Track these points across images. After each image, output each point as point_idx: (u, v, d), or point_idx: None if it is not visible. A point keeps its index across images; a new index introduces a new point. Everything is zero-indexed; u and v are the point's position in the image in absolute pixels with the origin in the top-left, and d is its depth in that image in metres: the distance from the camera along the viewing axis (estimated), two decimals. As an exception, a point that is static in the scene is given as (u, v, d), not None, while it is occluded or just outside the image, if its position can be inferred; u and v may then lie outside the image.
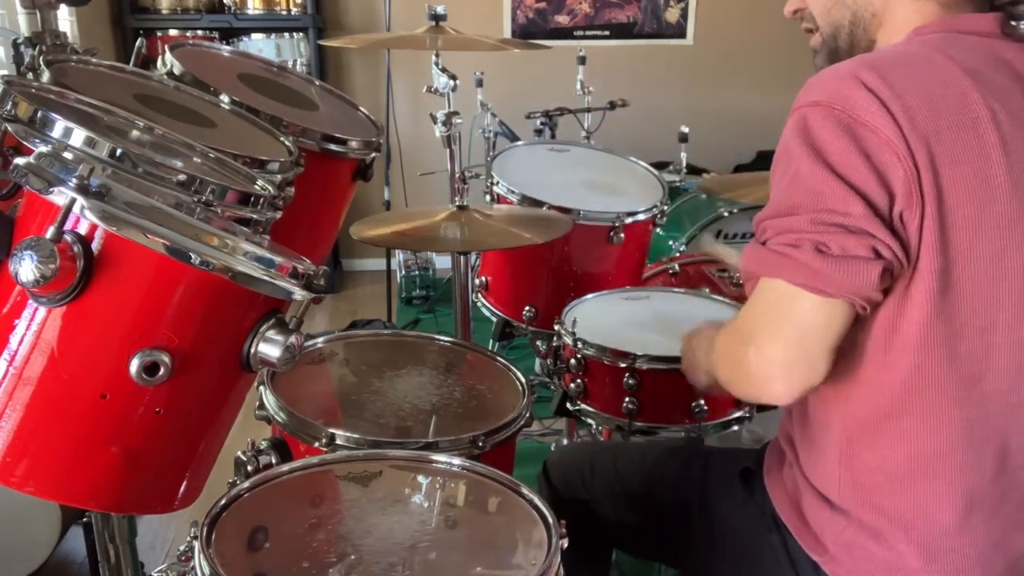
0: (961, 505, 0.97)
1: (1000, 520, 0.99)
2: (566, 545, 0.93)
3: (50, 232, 0.73)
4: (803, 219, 0.90)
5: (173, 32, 3.98)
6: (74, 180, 0.73)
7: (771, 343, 0.94)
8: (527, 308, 2.01)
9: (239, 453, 1.20)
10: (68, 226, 0.75)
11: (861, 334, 0.97)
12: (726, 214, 2.72)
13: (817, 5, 1.10)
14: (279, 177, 1.06)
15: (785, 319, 0.93)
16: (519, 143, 2.35)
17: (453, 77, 1.72)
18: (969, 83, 0.92)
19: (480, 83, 3.40)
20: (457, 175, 1.78)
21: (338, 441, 1.21)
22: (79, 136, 0.80)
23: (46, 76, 1.02)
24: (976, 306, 0.92)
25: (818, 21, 1.11)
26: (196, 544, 0.88)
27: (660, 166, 2.56)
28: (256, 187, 0.98)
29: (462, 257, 1.81)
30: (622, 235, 1.94)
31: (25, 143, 0.82)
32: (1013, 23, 0.97)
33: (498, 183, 2.00)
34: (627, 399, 1.54)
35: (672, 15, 4.46)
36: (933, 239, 0.89)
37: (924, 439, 0.96)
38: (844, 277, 0.88)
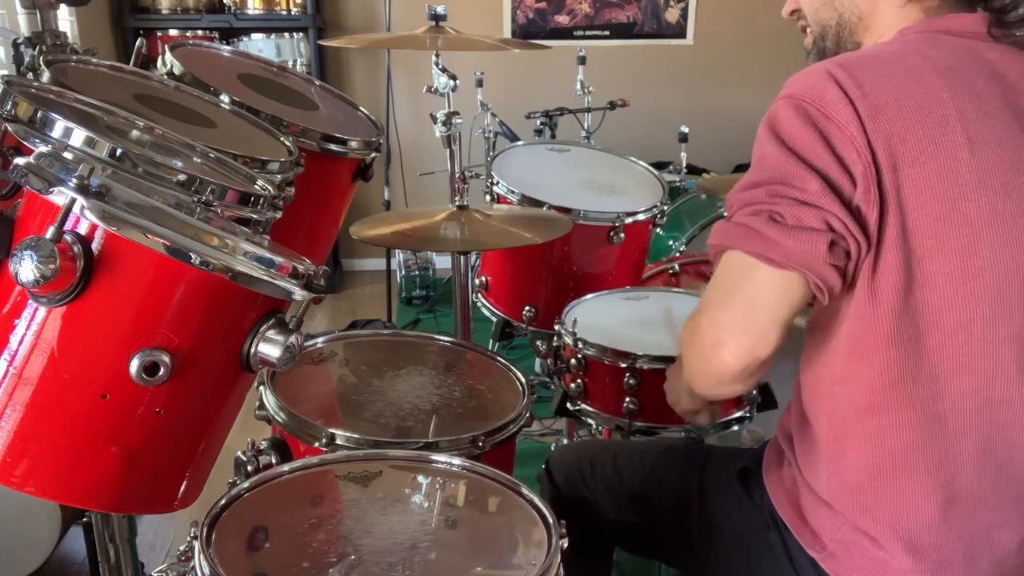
0: (940, 499, 0.97)
1: (985, 516, 0.99)
2: (566, 545, 0.93)
3: (50, 232, 0.73)
4: (762, 191, 0.94)
5: (173, 32, 3.98)
6: (74, 180, 0.73)
7: (722, 310, 0.97)
8: (527, 308, 2.01)
9: (239, 453, 1.20)
10: (68, 226, 0.75)
11: (837, 331, 0.98)
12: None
13: (808, 5, 1.13)
14: (279, 177, 1.06)
15: (738, 288, 0.96)
16: (519, 143, 2.35)
17: (453, 77, 1.72)
18: (940, 82, 0.93)
19: (480, 83, 3.40)
20: (457, 175, 1.78)
21: (338, 441, 1.21)
22: (79, 136, 0.80)
23: (46, 76, 1.02)
24: (945, 302, 0.93)
25: (808, 21, 1.13)
26: (196, 544, 0.88)
27: (660, 166, 2.56)
28: (256, 187, 0.98)
29: (462, 257, 1.81)
30: (622, 235, 1.94)
31: (25, 143, 0.82)
32: (999, 28, 0.98)
33: (498, 183, 2.00)
34: (627, 399, 1.54)
35: (672, 15, 4.46)
36: (896, 236, 0.91)
37: (901, 433, 0.97)
38: (794, 245, 0.90)
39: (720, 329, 0.96)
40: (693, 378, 1.04)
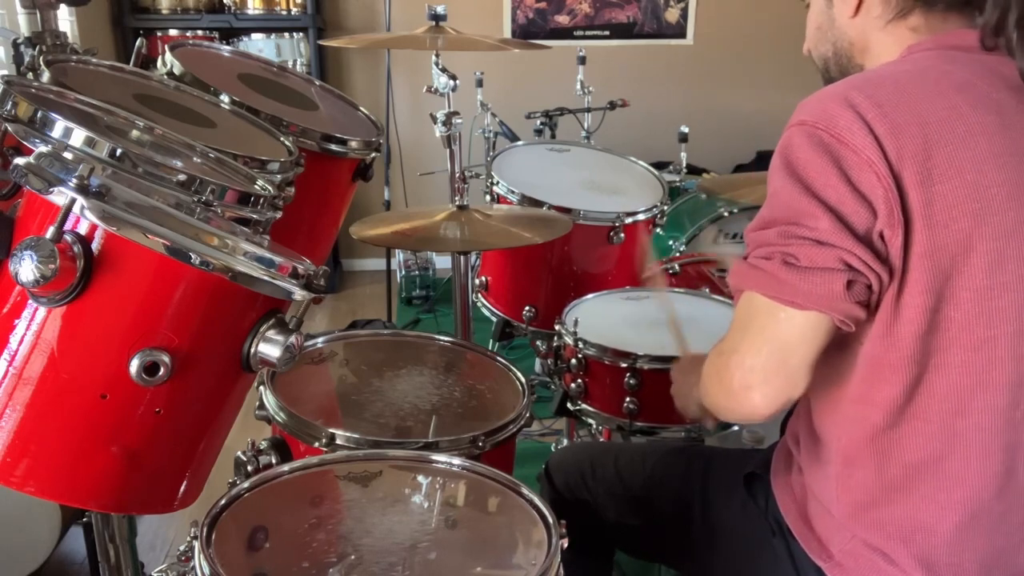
0: (957, 516, 0.96)
1: (1002, 535, 0.98)
2: (566, 545, 0.93)
3: (50, 232, 0.73)
4: (774, 232, 0.92)
5: (173, 32, 3.98)
6: (74, 180, 0.73)
7: (751, 355, 0.95)
8: (527, 308, 2.01)
9: (239, 453, 1.21)
10: (68, 226, 0.75)
11: (853, 351, 0.97)
12: (726, 214, 2.72)
13: (810, 42, 1.14)
14: (279, 177, 1.06)
15: (763, 331, 0.94)
16: (519, 143, 2.35)
17: (453, 77, 1.72)
18: (960, 97, 0.92)
19: (480, 83, 3.40)
20: (457, 175, 1.78)
21: (338, 441, 1.21)
22: (79, 136, 0.80)
23: (46, 76, 1.02)
24: (970, 319, 0.91)
25: (813, 57, 1.14)
26: (196, 544, 0.89)
27: (660, 166, 2.56)
28: (256, 187, 0.98)
29: (462, 257, 1.81)
30: (622, 235, 1.94)
31: (25, 143, 0.82)
32: (991, 41, 0.97)
33: (498, 183, 2.00)
34: (628, 399, 1.54)
35: (672, 15, 4.46)
36: (923, 254, 0.89)
37: (918, 447, 0.96)
38: (811, 288, 0.89)
39: (749, 374, 0.94)
40: (717, 412, 1.03)
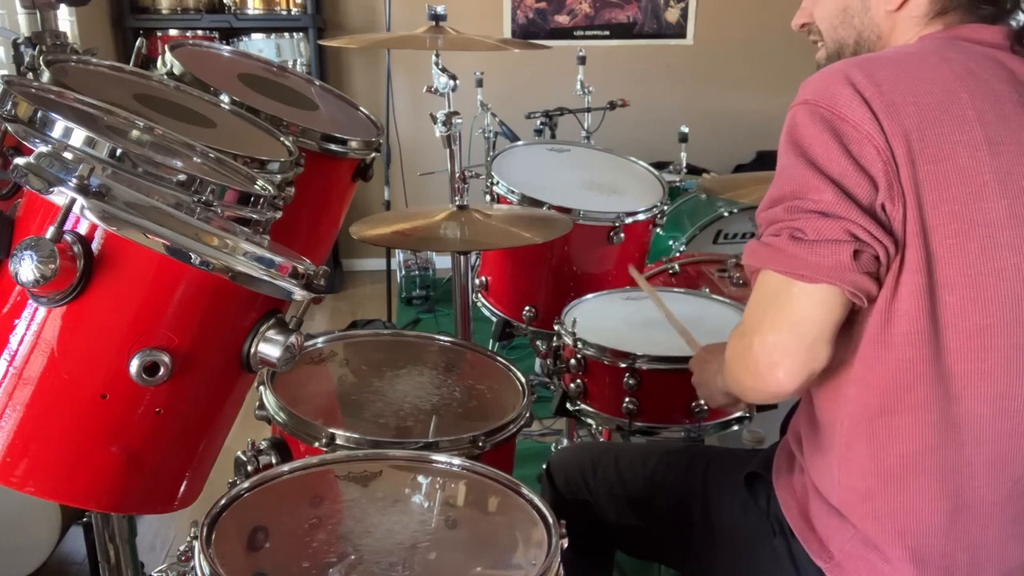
0: (949, 504, 0.97)
1: (995, 528, 0.99)
2: (566, 545, 0.93)
3: (50, 232, 0.73)
4: (781, 208, 0.94)
5: (173, 32, 3.98)
6: (74, 180, 0.73)
7: (772, 332, 0.96)
8: (527, 308, 2.01)
9: (239, 453, 1.21)
10: (68, 226, 0.75)
11: (855, 331, 0.97)
12: (726, 214, 2.72)
13: (824, 21, 1.12)
14: (279, 177, 1.06)
15: (781, 308, 0.95)
16: (519, 143, 2.35)
17: (453, 77, 1.72)
18: (959, 83, 0.93)
19: (480, 83, 3.40)
20: (457, 175, 1.78)
21: (338, 441, 1.21)
22: (79, 136, 0.80)
23: (46, 76, 1.02)
24: (964, 305, 0.92)
25: (824, 37, 1.13)
26: (196, 544, 0.89)
27: (660, 166, 2.56)
28: (256, 187, 0.98)
29: (462, 257, 1.81)
30: (622, 235, 1.94)
31: (25, 143, 0.82)
32: (1020, 45, 0.98)
33: (498, 183, 2.00)
34: (627, 399, 1.54)
35: (672, 15, 4.46)
36: (916, 232, 0.91)
37: (914, 436, 0.97)
38: (819, 260, 0.90)
39: (772, 351, 0.96)
40: (744, 393, 1.05)
